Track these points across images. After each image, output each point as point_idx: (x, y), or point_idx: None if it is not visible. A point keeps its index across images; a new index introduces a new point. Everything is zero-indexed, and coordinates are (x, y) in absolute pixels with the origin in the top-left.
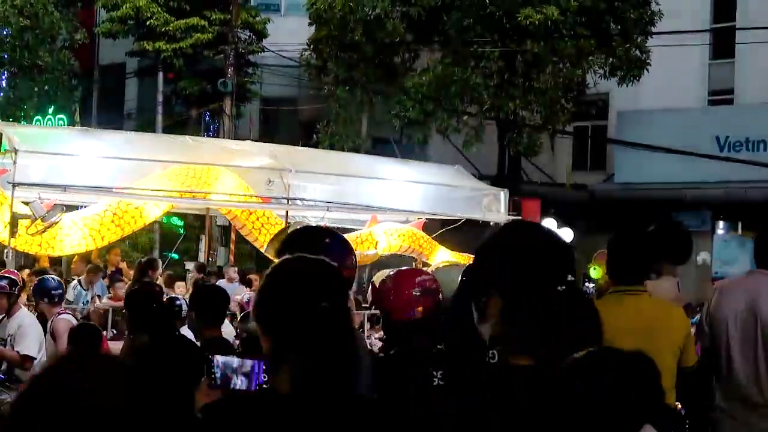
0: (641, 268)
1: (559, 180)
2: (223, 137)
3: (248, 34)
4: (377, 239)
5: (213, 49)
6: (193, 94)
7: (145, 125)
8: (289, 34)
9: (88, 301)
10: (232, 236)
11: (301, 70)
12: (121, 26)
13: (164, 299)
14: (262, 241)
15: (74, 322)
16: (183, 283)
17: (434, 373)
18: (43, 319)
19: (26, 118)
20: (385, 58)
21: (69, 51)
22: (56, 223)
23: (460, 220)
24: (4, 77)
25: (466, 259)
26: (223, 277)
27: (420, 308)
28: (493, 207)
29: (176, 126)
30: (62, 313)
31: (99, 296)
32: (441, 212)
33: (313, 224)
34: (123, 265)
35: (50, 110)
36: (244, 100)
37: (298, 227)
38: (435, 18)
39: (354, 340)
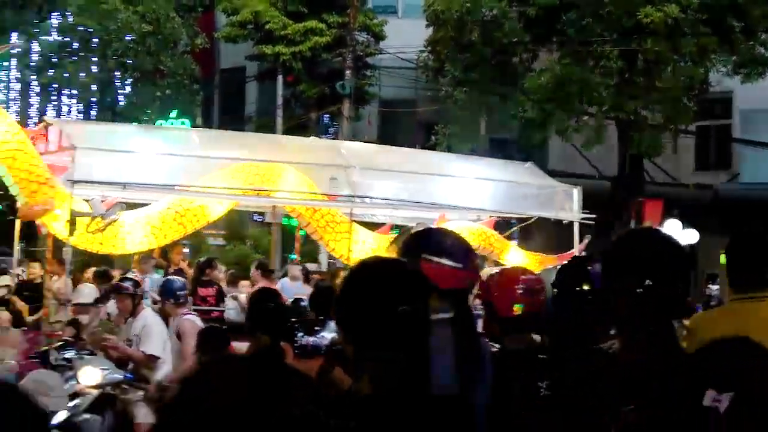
0: (763, 272)
1: (682, 180)
2: (342, 139)
3: (366, 36)
4: None
5: (331, 52)
6: (312, 97)
7: (265, 128)
8: (406, 35)
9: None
10: (297, 234)
11: (419, 72)
12: (241, 30)
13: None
14: (327, 239)
15: (199, 322)
16: (247, 282)
17: (540, 383)
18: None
19: (149, 123)
20: (503, 59)
21: (190, 56)
22: (115, 221)
23: (532, 218)
24: (128, 82)
25: (538, 258)
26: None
27: (521, 306)
28: (566, 205)
29: (296, 129)
30: (187, 314)
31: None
32: (512, 210)
33: (385, 222)
34: (184, 265)
35: (172, 114)
36: (362, 103)
37: (419, 229)
38: (553, 17)
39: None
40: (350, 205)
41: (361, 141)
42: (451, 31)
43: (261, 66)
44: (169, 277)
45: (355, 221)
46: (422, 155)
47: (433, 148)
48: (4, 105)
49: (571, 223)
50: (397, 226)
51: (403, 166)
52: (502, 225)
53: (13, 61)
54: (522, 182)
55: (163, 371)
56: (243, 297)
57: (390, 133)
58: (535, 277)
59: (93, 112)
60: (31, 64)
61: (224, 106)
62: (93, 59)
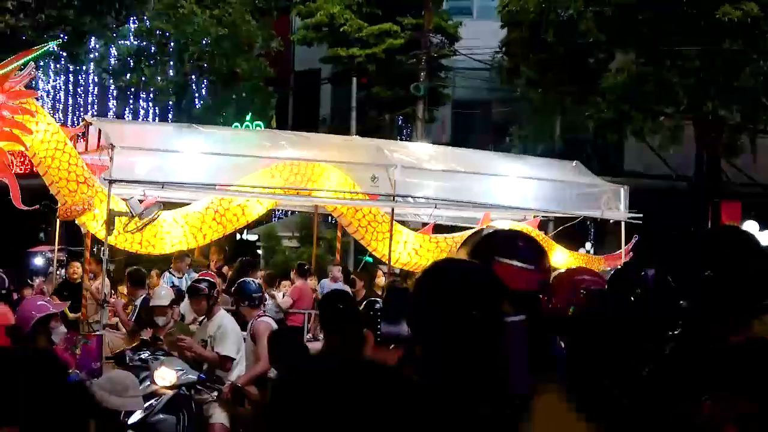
0: None
1: (760, 181)
2: (416, 141)
3: (440, 38)
4: None
5: (405, 54)
6: (386, 99)
7: (339, 130)
8: (481, 37)
9: (182, 291)
10: (338, 234)
11: (493, 73)
12: (316, 33)
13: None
14: (369, 239)
15: (274, 325)
16: (288, 282)
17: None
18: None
19: (225, 126)
20: (578, 59)
21: (265, 59)
22: (153, 221)
23: (577, 218)
24: (203, 86)
25: (584, 259)
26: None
27: (577, 307)
28: (613, 204)
29: (370, 131)
30: (262, 316)
31: None
32: (557, 210)
33: (428, 222)
34: (211, 265)
35: (248, 117)
36: (436, 104)
37: (490, 230)
38: (629, 17)
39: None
40: (391, 204)
41: (435, 143)
42: (526, 32)
43: (335, 68)
44: (244, 279)
45: (397, 221)
46: (466, 154)
47: (507, 149)
48: (82, 108)
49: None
50: (440, 226)
51: (446, 164)
52: (545, 224)
53: (92, 66)
54: (568, 181)
55: (237, 372)
56: (279, 296)
57: (464, 135)
58: (599, 279)
59: (169, 116)
60: (109, 68)
61: (298, 109)
62: (169, 63)
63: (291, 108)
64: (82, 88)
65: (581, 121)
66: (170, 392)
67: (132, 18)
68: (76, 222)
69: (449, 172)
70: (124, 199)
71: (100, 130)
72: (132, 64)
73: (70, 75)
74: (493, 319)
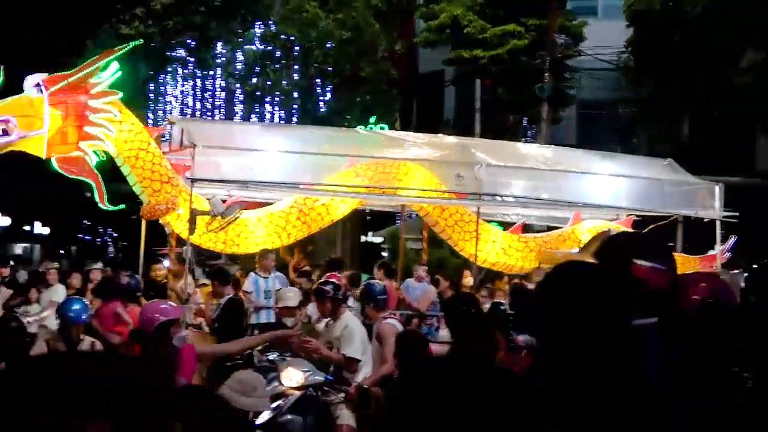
0: None
1: None
2: (541, 143)
3: (565, 38)
4: (580, 237)
5: (529, 55)
6: (511, 101)
7: (463, 132)
8: (606, 36)
9: (269, 291)
10: (424, 234)
11: (619, 73)
12: (439, 35)
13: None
14: (456, 238)
15: (399, 326)
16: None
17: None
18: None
19: (349, 128)
20: (707, 58)
21: (389, 61)
22: (235, 220)
23: (670, 217)
24: (328, 89)
25: (678, 259)
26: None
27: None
28: (707, 203)
29: (494, 132)
30: (387, 318)
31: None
32: (650, 209)
33: (515, 221)
34: (307, 268)
35: (371, 119)
36: (561, 105)
37: (615, 232)
38: (759, 14)
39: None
40: (477, 203)
41: (560, 144)
42: (653, 31)
43: (459, 70)
44: (370, 281)
45: (485, 220)
46: (556, 152)
47: (634, 150)
48: (210, 112)
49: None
50: (529, 226)
51: (534, 162)
52: (640, 224)
53: (218, 70)
54: (661, 179)
55: (363, 373)
56: None
57: (590, 136)
58: (724, 285)
59: (294, 119)
60: (236, 72)
61: (422, 111)
62: (294, 67)
63: (415, 110)
64: (209, 92)
65: (710, 120)
66: (297, 393)
67: (258, 23)
68: (161, 222)
69: (538, 171)
70: (208, 199)
71: (183, 130)
72: (258, 68)
73: (198, 80)
74: (615, 321)
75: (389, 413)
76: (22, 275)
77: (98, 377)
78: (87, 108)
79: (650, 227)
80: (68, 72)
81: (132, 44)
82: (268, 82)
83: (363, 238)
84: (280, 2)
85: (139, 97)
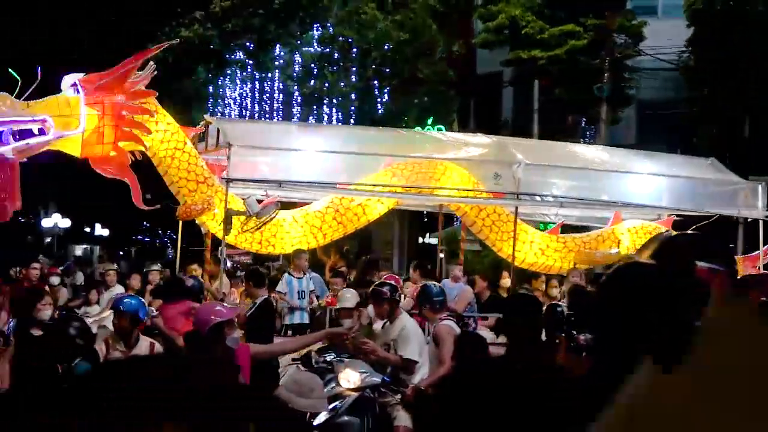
0: None
1: None
2: (600, 143)
3: (624, 38)
4: (620, 238)
5: (588, 55)
6: (569, 101)
7: (521, 133)
8: (666, 36)
9: (303, 291)
10: (462, 234)
11: (679, 73)
12: (497, 36)
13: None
14: (493, 239)
15: (456, 328)
16: (409, 283)
17: None
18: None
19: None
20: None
21: (446, 63)
22: (271, 220)
23: (712, 216)
24: (386, 90)
25: None
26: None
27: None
28: (750, 202)
29: (552, 133)
30: (444, 319)
31: (316, 294)
32: (692, 208)
33: (554, 222)
34: (343, 269)
35: (429, 121)
36: (620, 105)
37: (672, 233)
38: None
39: None
40: (515, 202)
41: (619, 145)
42: (714, 30)
43: (517, 71)
44: (426, 283)
45: (523, 220)
46: (595, 151)
47: (694, 150)
48: (268, 115)
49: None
50: (568, 226)
51: (573, 161)
52: (682, 224)
53: (277, 73)
54: (703, 178)
55: (420, 375)
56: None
57: (650, 137)
58: None
59: (351, 121)
60: (294, 74)
61: (480, 112)
62: (352, 69)
63: (473, 111)
64: (267, 95)
65: None
66: (355, 394)
67: (316, 25)
68: (197, 222)
69: (577, 170)
70: (243, 199)
71: (218, 130)
72: (315, 70)
73: (256, 82)
74: (675, 322)
75: (442, 414)
76: (80, 277)
77: (169, 379)
78: (123, 108)
79: (696, 226)
80: (105, 72)
81: (169, 43)
82: (326, 85)
83: (420, 240)
84: (338, 4)
85: (198, 99)
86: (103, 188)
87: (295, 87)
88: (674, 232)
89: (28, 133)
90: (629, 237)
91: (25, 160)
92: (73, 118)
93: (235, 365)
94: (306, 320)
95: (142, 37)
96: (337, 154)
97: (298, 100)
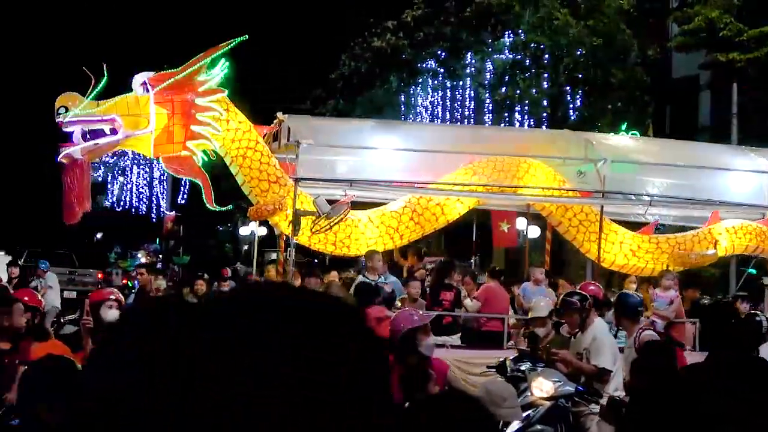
0: None
1: None
2: None
3: None
4: (717, 238)
5: None
6: None
7: (719, 138)
8: None
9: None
10: (548, 235)
11: None
12: (694, 39)
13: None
14: (581, 239)
15: (656, 337)
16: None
17: None
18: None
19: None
20: None
21: (641, 67)
22: (340, 221)
23: None
24: (579, 96)
25: None
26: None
27: None
28: None
29: (752, 139)
30: (645, 329)
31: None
32: None
33: (649, 221)
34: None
35: (623, 127)
36: None
37: None
38: None
39: None
40: (600, 201)
41: None
42: None
43: (715, 74)
44: (626, 292)
45: (614, 220)
46: (691, 147)
47: None
48: (459, 122)
49: None
50: (663, 226)
51: (664, 158)
52: None
53: (468, 80)
54: None
55: (615, 384)
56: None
57: None
58: None
59: (544, 127)
60: (485, 82)
61: (676, 117)
62: (544, 75)
63: (668, 116)
64: (458, 102)
65: None
66: (548, 403)
67: (507, 32)
68: (270, 222)
69: (669, 167)
70: (313, 199)
71: (289, 128)
72: (507, 77)
73: (448, 90)
74: None
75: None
76: None
77: None
78: (193, 106)
79: None
80: (174, 70)
81: (237, 40)
82: (518, 91)
83: None
84: (530, 11)
85: (391, 108)
86: None
87: (487, 94)
88: None
89: (101, 134)
90: (728, 237)
91: (96, 160)
92: (142, 118)
93: (428, 373)
94: None
95: (335, 46)
96: (414, 152)
97: (490, 108)
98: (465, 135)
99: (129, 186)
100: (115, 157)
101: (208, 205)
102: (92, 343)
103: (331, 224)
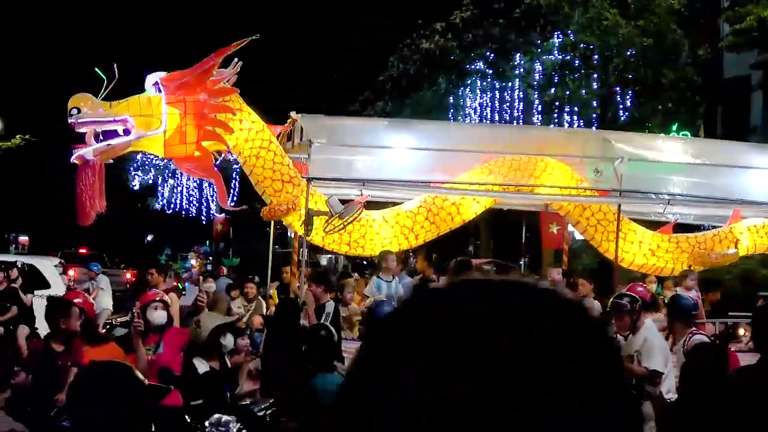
0: None
1: None
2: None
3: None
4: (738, 237)
5: None
6: None
7: None
8: None
9: (392, 295)
10: (566, 235)
11: None
12: (745, 38)
13: None
14: (599, 239)
15: (707, 341)
16: None
17: None
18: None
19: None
20: None
21: (692, 67)
22: (353, 220)
23: None
24: (629, 97)
25: None
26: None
27: None
28: None
29: None
30: (696, 333)
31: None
32: None
33: (669, 220)
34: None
35: (674, 127)
36: None
37: None
38: None
39: None
40: (617, 200)
41: None
42: None
43: (766, 74)
44: (679, 294)
45: (633, 220)
46: (710, 145)
47: None
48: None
49: None
50: (682, 225)
51: (684, 156)
52: None
53: (517, 81)
54: None
55: (667, 386)
56: None
57: None
58: None
59: (594, 128)
60: (534, 82)
61: (728, 118)
62: (593, 76)
63: (719, 117)
64: (507, 103)
65: None
66: None
67: (556, 32)
68: (283, 223)
69: (688, 165)
70: (326, 198)
71: (302, 127)
72: (557, 78)
73: (496, 91)
74: None
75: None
76: None
77: None
78: (206, 106)
79: None
80: (186, 70)
81: (249, 39)
82: (567, 92)
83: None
84: (579, 11)
85: (440, 109)
86: None
87: (536, 95)
88: None
89: (114, 134)
90: (749, 236)
91: (110, 161)
92: (154, 118)
93: None
94: None
95: (383, 49)
96: (428, 152)
97: (539, 109)
98: (481, 134)
99: (179, 188)
100: (164, 160)
101: (221, 206)
102: (143, 345)
103: (345, 224)
